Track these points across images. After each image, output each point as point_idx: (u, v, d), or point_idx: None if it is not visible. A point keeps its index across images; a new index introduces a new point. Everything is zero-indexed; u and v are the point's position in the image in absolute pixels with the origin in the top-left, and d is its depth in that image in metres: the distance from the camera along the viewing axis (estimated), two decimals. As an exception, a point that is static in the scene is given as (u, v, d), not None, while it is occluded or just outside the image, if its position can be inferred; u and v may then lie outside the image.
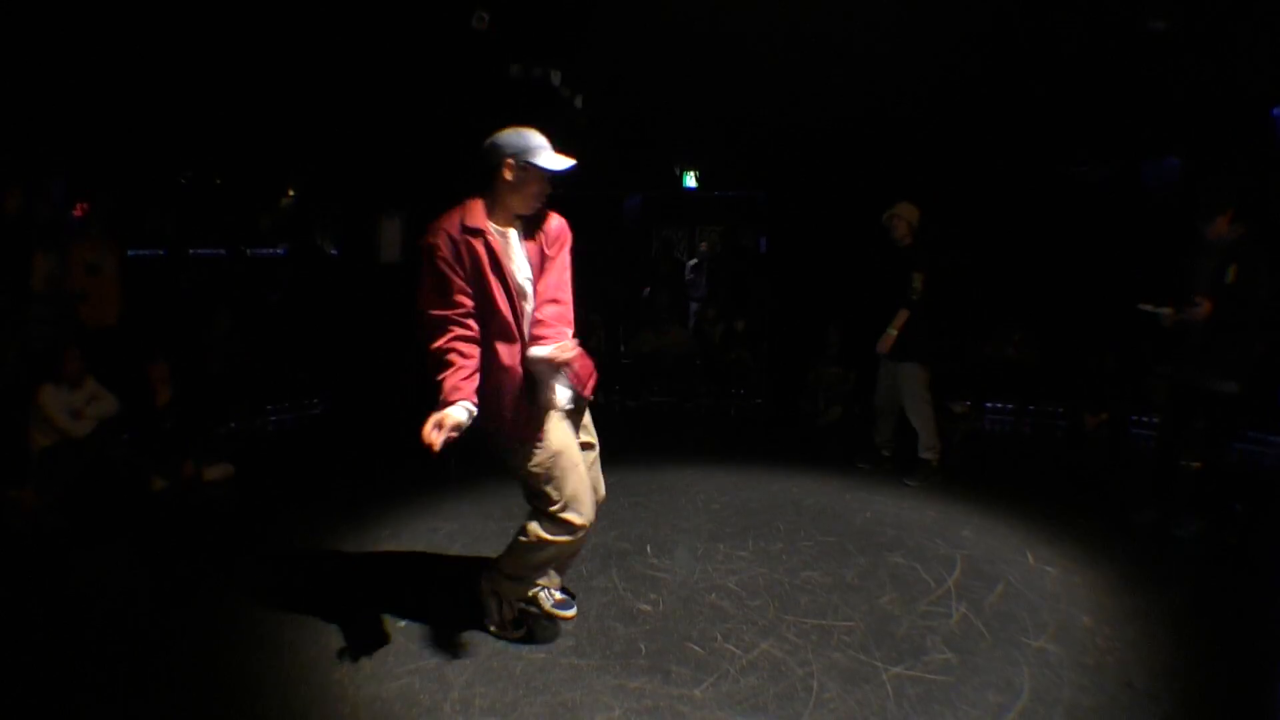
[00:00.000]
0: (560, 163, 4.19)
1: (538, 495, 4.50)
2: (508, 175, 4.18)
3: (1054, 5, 8.18)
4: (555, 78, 9.39)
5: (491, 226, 4.22)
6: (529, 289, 4.33)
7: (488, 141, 4.25)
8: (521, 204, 4.27)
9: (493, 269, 4.15)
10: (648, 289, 14.22)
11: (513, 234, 4.32)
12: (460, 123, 9.64)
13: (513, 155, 4.17)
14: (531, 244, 4.36)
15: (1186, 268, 6.41)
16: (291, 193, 13.16)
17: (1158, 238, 9.82)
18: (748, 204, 14.37)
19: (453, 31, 8.17)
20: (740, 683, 4.14)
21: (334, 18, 8.10)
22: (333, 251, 12.98)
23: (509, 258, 4.25)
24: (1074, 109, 10.11)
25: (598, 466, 5.01)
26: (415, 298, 4.21)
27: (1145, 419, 9.45)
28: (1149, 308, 6.48)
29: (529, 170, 4.18)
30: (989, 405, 10.90)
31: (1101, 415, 9.68)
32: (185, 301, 10.79)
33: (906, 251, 8.05)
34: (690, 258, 15.11)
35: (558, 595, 4.96)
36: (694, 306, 14.22)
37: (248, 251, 12.08)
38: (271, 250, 12.46)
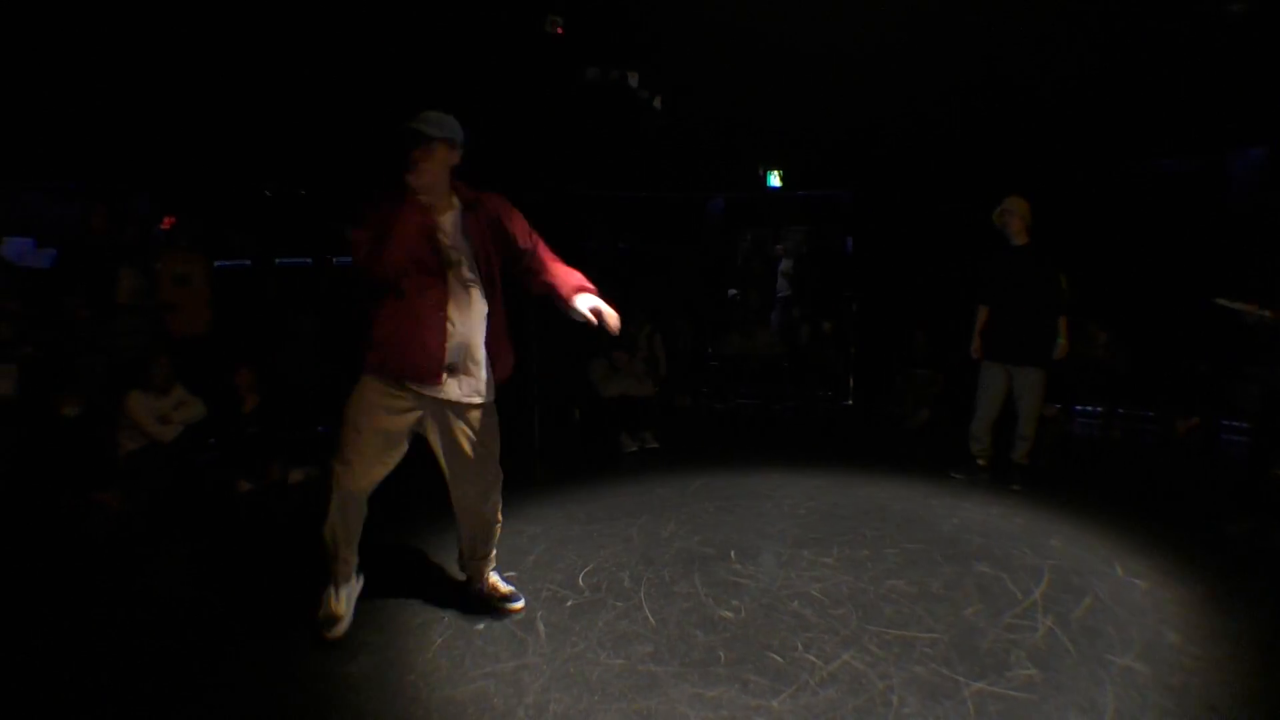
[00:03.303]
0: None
1: None
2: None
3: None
4: (633, 79, 9.35)
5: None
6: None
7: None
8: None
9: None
10: (734, 291, 14.19)
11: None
12: (539, 127, 9.66)
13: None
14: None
15: (1275, 264, 6.25)
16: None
17: (1245, 232, 9.61)
18: (833, 204, 14.26)
19: (526, 36, 8.19)
20: (819, 695, 4.13)
21: (409, 29, 8.16)
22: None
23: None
24: (1155, 100, 9.88)
25: (470, 480, 5.14)
26: None
27: (1238, 424, 9.26)
28: (1225, 302, 6.33)
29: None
30: (1078, 409, 10.73)
31: (1192, 420, 9.49)
32: (271, 309, 10.97)
33: (1031, 252, 7.96)
34: (781, 259, 15.06)
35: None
36: (777, 308, 14.20)
37: (333, 260, 12.23)
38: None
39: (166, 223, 10.31)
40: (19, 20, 7.31)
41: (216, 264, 9.92)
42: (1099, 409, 10.59)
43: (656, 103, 9.84)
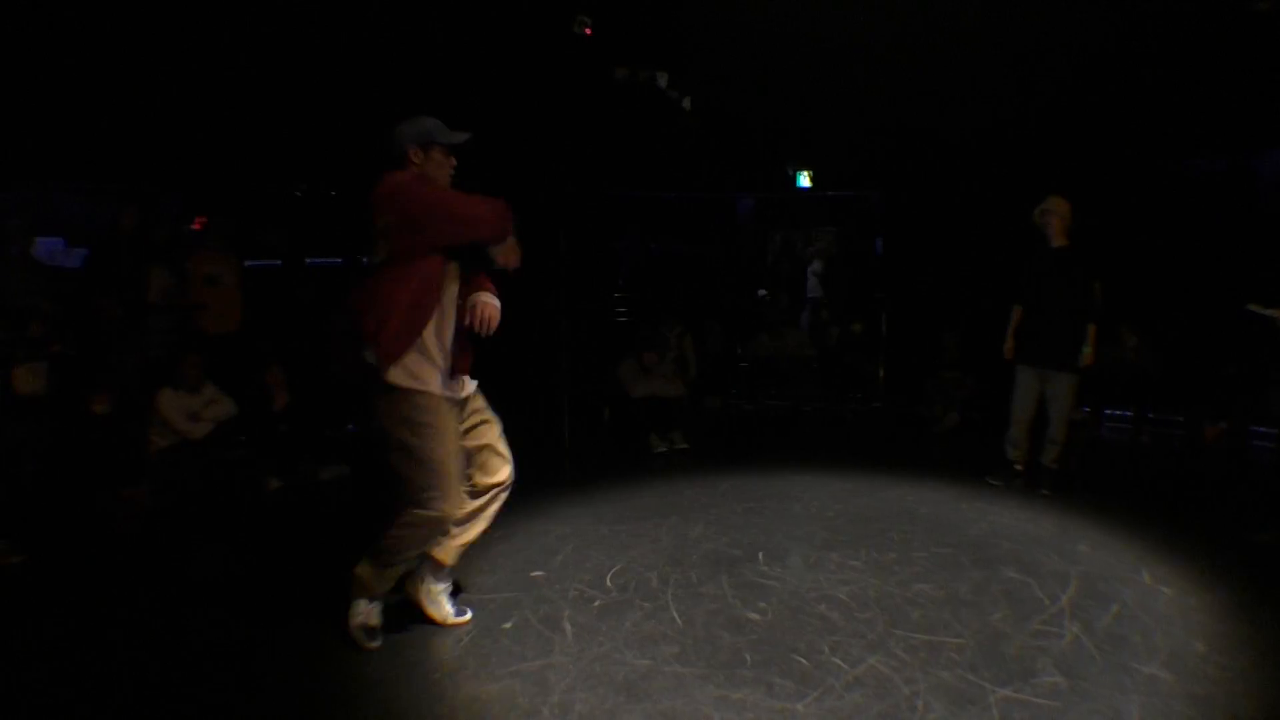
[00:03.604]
0: (457, 136, 4.73)
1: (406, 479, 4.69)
2: (414, 160, 4.68)
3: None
4: (662, 79, 9.35)
5: None
6: None
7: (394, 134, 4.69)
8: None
9: None
10: (764, 291, 14.19)
11: None
12: (569, 128, 9.68)
13: (414, 141, 4.65)
14: None
15: None
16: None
17: (1276, 234, 9.53)
18: (863, 205, 14.25)
19: (555, 37, 8.22)
20: (844, 699, 4.14)
21: (439, 30, 8.21)
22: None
23: None
24: (1183, 100, 9.80)
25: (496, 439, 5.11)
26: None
27: (1267, 430, 9.18)
28: (1257, 309, 6.30)
29: (431, 150, 4.70)
30: (1107, 412, 10.67)
31: (1221, 426, 9.41)
32: (301, 309, 11.05)
33: (1069, 255, 7.86)
34: (812, 260, 15.04)
35: (448, 606, 5.11)
36: (807, 309, 14.18)
37: (364, 260, 12.34)
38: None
39: (197, 223, 10.43)
40: (51, 25, 7.40)
41: (247, 264, 10.01)
42: (1128, 413, 10.51)
43: (686, 103, 9.85)
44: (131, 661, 4.74)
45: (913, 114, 10.82)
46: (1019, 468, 8.17)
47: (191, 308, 8.97)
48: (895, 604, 5.31)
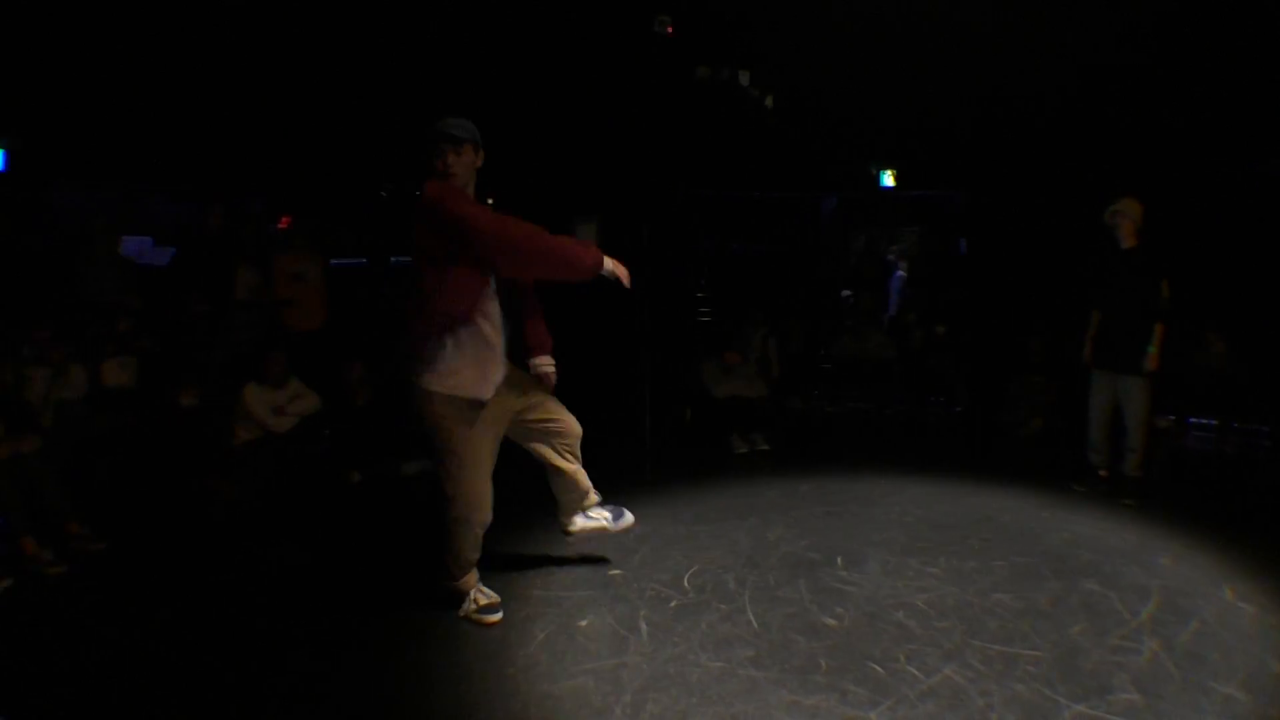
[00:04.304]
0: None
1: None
2: (469, 158, 5.07)
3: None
4: (744, 78, 9.34)
5: None
6: None
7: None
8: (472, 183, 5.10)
9: None
10: (848, 292, 14.13)
11: None
12: (651, 128, 9.73)
13: (475, 140, 5.02)
14: None
15: None
16: (490, 200, 13.48)
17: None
18: (946, 204, 14.14)
19: (637, 37, 8.26)
20: (917, 708, 4.16)
21: (521, 31, 8.28)
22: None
23: None
24: (1268, 99, 9.61)
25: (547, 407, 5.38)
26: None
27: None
28: None
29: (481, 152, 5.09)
30: (1192, 421, 10.50)
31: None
32: (386, 307, 11.21)
33: (1138, 256, 7.76)
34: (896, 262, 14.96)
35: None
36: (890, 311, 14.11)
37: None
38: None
39: (283, 222, 10.63)
40: (143, 32, 7.58)
41: (332, 262, 10.18)
42: (1213, 422, 10.33)
43: (768, 101, 9.84)
44: (209, 647, 4.92)
45: (997, 113, 10.74)
46: (1103, 474, 8.08)
47: (277, 305, 9.16)
48: (973, 613, 5.30)
